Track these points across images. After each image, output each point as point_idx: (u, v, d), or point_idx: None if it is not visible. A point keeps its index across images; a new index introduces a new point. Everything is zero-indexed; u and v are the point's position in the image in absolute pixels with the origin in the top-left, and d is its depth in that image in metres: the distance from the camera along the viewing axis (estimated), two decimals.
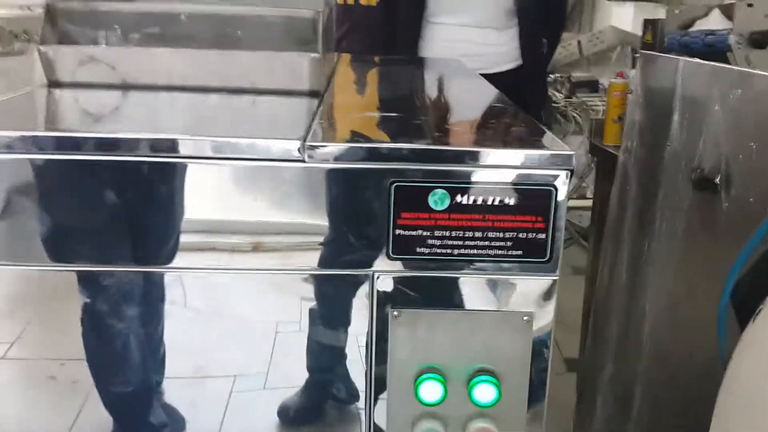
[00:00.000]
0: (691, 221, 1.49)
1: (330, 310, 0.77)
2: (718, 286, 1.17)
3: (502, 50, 2.00)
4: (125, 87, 1.00)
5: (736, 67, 1.37)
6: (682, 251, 1.52)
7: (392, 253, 0.74)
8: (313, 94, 1.02)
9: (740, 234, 1.18)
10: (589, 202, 3.29)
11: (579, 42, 3.75)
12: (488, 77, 1.96)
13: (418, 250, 0.74)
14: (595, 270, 2.17)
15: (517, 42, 1.99)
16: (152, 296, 0.75)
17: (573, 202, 3.72)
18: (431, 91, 1.31)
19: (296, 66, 1.00)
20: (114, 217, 0.73)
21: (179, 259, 0.74)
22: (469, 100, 1.16)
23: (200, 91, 1.01)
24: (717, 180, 1.35)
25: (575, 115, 3.40)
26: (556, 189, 0.72)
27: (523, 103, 2.05)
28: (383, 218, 0.73)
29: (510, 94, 1.95)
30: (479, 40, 1.98)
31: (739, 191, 1.26)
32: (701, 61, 1.52)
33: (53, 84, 1.00)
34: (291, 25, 1.05)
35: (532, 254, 0.74)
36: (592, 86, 3.76)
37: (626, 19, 4.42)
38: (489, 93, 1.13)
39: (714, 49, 2.12)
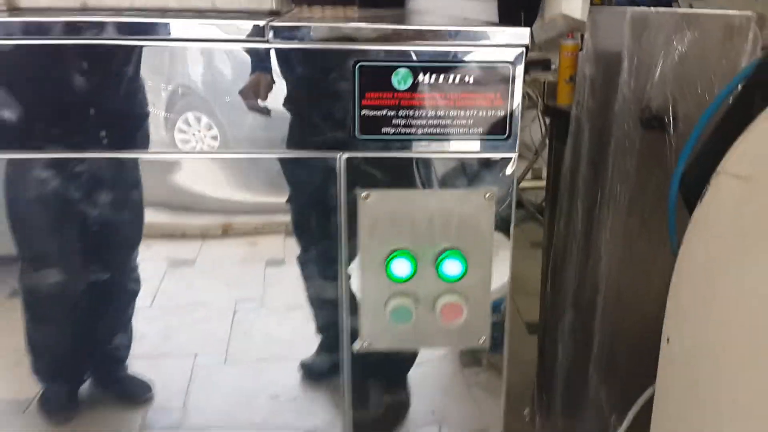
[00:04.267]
0: (642, 160, 1.55)
1: (300, 194, 0.80)
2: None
3: (482, 18, 2.06)
4: (85, 10, 1.01)
5: (680, 9, 1.44)
6: (634, 190, 1.58)
7: (359, 133, 0.77)
8: (273, 13, 1.04)
9: None
10: (543, 183, 3.39)
11: (530, 30, 3.84)
12: None
13: (384, 130, 0.77)
14: (551, 238, 2.23)
15: (495, 13, 2.07)
16: (125, 183, 0.78)
17: (528, 183, 3.80)
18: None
19: None
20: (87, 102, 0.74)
21: (152, 145, 0.77)
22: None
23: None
24: (666, 118, 1.44)
25: (529, 91, 3.48)
26: (513, 65, 0.76)
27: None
28: (349, 100, 0.76)
29: None
30: (462, 9, 2.05)
31: (685, 127, 1.33)
32: (647, 8, 1.59)
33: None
34: None
35: (493, 131, 0.77)
36: (545, 65, 3.84)
37: (576, 7, 4.53)
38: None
39: (660, 3, 2.21)
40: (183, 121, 0.76)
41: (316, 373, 0.91)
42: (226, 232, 0.82)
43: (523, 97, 2.72)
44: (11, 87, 0.75)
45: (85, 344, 0.91)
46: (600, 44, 1.90)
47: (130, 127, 0.77)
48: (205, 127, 0.76)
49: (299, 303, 0.83)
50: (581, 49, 2.34)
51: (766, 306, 0.73)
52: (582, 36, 2.49)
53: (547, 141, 2.83)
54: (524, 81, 2.49)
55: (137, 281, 0.84)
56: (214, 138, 0.77)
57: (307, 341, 0.87)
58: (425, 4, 2.04)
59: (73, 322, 0.88)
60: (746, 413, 0.80)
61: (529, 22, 2.42)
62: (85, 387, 0.94)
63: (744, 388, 0.79)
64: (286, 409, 0.93)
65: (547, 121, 2.71)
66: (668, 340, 0.93)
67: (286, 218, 0.81)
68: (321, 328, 0.86)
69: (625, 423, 1.30)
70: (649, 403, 1.08)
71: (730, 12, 1.44)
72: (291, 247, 0.82)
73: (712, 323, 0.84)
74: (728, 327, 0.80)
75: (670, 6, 2.16)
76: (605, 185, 1.82)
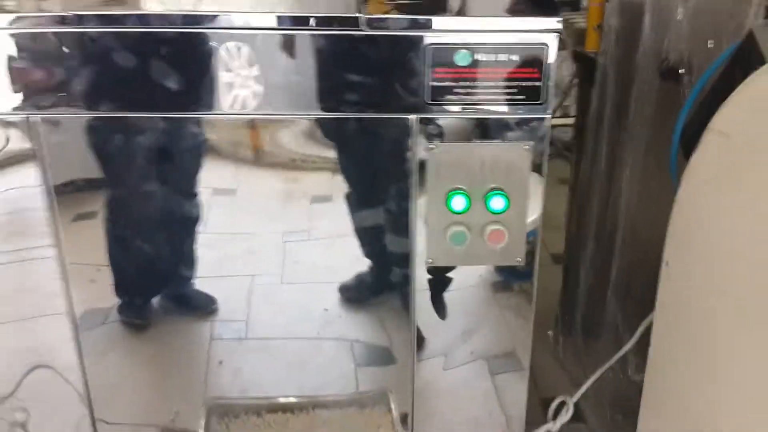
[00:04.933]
0: (660, 107, 1.68)
1: (379, 148, 1.04)
2: None
3: None
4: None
5: None
6: (651, 133, 1.71)
7: (428, 99, 1.01)
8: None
9: None
10: (572, 120, 3.52)
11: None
12: None
13: (448, 97, 1.01)
14: (577, 176, 2.39)
15: None
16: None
17: (557, 120, 3.94)
18: None
19: None
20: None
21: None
22: None
23: None
24: (680, 71, 1.56)
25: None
26: (547, 46, 0.98)
27: None
28: (422, 74, 0.99)
29: None
30: None
31: (698, 79, 1.42)
32: None
33: None
34: None
35: (531, 98, 1.01)
36: (574, 5, 3.91)
37: None
38: None
39: None
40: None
41: (360, 293, 1.15)
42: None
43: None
44: (113, 65, 0.98)
45: (156, 263, 1.12)
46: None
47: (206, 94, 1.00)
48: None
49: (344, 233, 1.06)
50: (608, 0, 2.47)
51: (741, 242, 0.94)
52: None
53: (575, 83, 2.98)
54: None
55: (198, 208, 1.07)
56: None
57: (351, 267, 1.11)
58: None
59: (147, 242, 1.10)
60: (737, 333, 0.95)
61: None
62: (158, 302, 1.15)
63: (733, 306, 0.96)
64: (336, 322, 1.17)
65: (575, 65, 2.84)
66: (667, 263, 1.16)
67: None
68: (369, 254, 1.10)
69: (633, 339, 1.52)
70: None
71: None
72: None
73: (705, 251, 1.03)
74: (716, 257, 0.99)
75: None
76: (627, 128, 1.97)
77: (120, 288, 1.12)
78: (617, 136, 1.95)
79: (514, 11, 1.02)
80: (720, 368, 0.99)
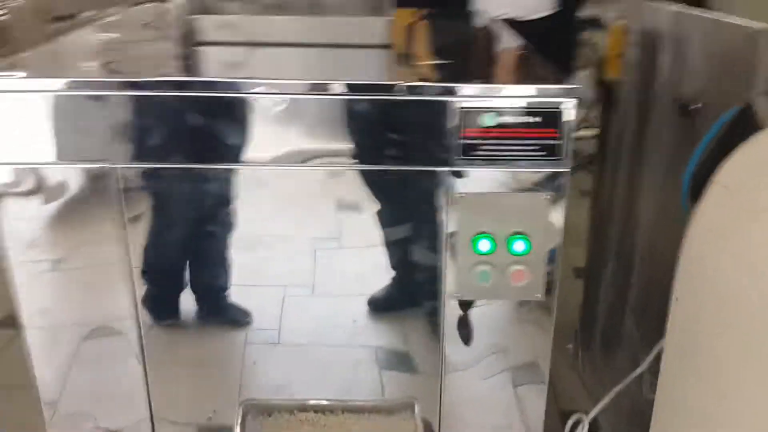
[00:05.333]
0: (675, 141, 1.75)
1: (414, 196, 1.17)
2: None
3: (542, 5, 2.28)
4: (252, 44, 1.39)
5: (709, 15, 1.64)
6: (669, 166, 1.78)
7: (459, 155, 1.14)
8: (385, 46, 1.40)
9: None
10: (594, 131, 3.61)
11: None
12: (527, 24, 2.22)
13: (476, 153, 1.13)
14: (598, 190, 2.46)
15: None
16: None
17: (581, 132, 4.01)
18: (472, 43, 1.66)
19: (373, 26, 1.39)
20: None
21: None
22: (498, 46, 1.51)
23: (305, 46, 1.39)
24: (694, 107, 1.61)
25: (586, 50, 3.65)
26: (566, 111, 1.11)
27: (559, 47, 2.34)
28: (452, 133, 1.12)
29: (547, 39, 2.24)
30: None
31: (711, 116, 1.48)
32: (681, 10, 1.73)
33: (197, 43, 1.40)
34: None
35: (551, 154, 1.13)
36: (596, 23, 3.98)
37: None
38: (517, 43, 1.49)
39: None
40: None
41: (385, 306, 1.25)
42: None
43: (579, 57, 2.92)
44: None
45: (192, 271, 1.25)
46: (643, 33, 2.08)
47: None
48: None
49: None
50: (627, 33, 2.55)
51: (745, 285, 1.04)
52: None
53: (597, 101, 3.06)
54: (578, 42, 2.70)
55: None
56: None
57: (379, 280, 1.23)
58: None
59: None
60: (744, 368, 1.01)
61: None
62: (193, 310, 1.26)
63: (739, 344, 1.02)
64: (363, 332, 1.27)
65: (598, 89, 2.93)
66: (677, 299, 1.25)
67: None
68: (399, 279, 1.22)
69: (646, 361, 1.61)
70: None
71: (752, 24, 1.63)
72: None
73: (712, 290, 1.10)
74: (722, 297, 1.06)
75: None
76: (645, 155, 2.04)
77: (164, 296, 1.26)
78: (636, 164, 2.02)
79: (536, 78, 1.15)
80: (726, 403, 1.06)
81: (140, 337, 1.25)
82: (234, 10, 1.35)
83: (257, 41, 1.36)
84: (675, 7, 1.78)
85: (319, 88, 1.11)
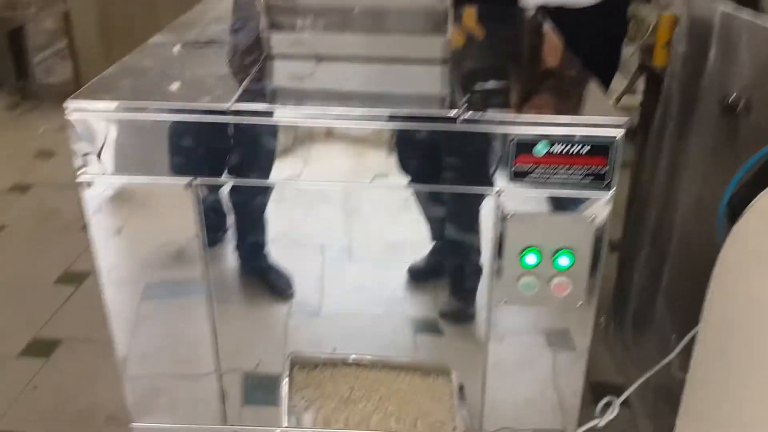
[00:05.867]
0: (718, 138, 1.79)
1: (468, 214, 1.28)
2: None
3: None
4: (319, 58, 1.49)
5: (762, 24, 1.66)
6: (709, 161, 1.84)
7: (511, 180, 1.24)
8: (444, 62, 1.49)
9: (753, 154, 1.42)
10: (636, 99, 3.61)
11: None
12: (576, 12, 2.22)
13: (527, 178, 1.24)
14: (638, 165, 2.50)
15: None
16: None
17: (625, 101, 4.01)
18: (525, 57, 1.72)
19: (434, 45, 1.48)
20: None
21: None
22: (551, 65, 1.57)
23: (368, 61, 1.49)
24: (739, 108, 1.64)
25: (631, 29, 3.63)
26: (614, 142, 1.20)
27: (607, 36, 2.37)
28: (506, 159, 1.22)
29: (596, 28, 2.27)
30: None
31: (756, 119, 1.53)
32: (733, 13, 1.74)
33: (270, 56, 1.50)
34: (428, 13, 1.51)
35: (597, 181, 1.23)
36: None
37: None
38: (570, 60, 1.56)
39: None
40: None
41: (423, 276, 1.36)
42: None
43: (627, 33, 2.90)
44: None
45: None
46: (693, 25, 2.09)
47: None
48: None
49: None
50: (677, 24, 2.55)
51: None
52: None
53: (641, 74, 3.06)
54: (627, 18, 2.67)
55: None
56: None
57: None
58: None
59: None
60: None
61: None
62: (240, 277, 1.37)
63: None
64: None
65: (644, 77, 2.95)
66: (707, 319, 1.32)
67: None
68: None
69: (676, 350, 1.69)
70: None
71: None
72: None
73: (743, 311, 1.13)
74: (753, 318, 1.09)
75: None
76: (686, 150, 2.09)
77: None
78: (677, 156, 2.06)
79: (586, 110, 1.24)
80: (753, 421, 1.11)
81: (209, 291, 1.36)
82: (304, 25, 1.45)
83: (323, 55, 1.46)
84: (726, 7, 1.80)
85: (385, 118, 1.22)
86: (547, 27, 1.78)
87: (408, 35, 1.49)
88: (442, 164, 1.25)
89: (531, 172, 1.23)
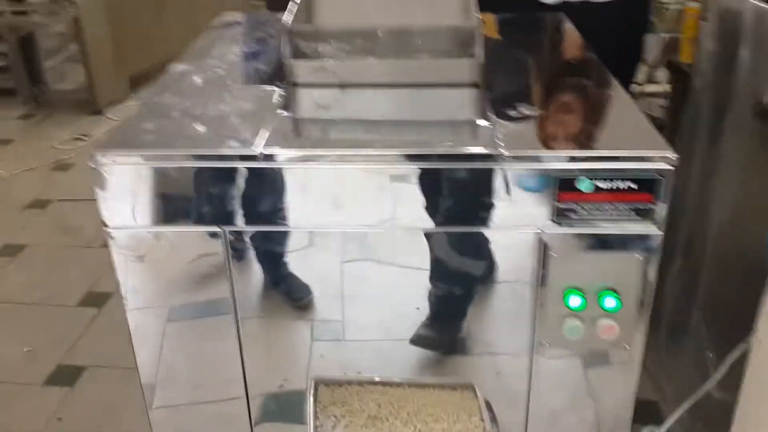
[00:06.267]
0: (753, 145, 1.74)
1: (508, 254, 1.22)
2: None
3: None
4: (344, 85, 1.42)
5: None
6: (745, 168, 1.78)
7: (554, 218, 1.17)
8: (474, 85, 1.43)
9: None
10: (658, 87, 3.53)
11: None
12: (603, 5, 2.17)
13: (571, 216, 1.17)
14: None
15: None
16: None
17: (649, 88, 3.91)
18: (560, 76, 1.62)
19: (463, 68, 1.41)
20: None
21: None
22: (591, 92, 1.46)
23: (394, 88, 1.42)
24: None
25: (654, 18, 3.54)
26: (663, 178, 1.13)
27: (631, 28, 2.31)
28: (549, 197, 1.16)
29: (620, 21, 2.20)
30: None
31: None
32: (765, 8, 1.67)
33: (293, 84, 1.44)
34: (456, 34, 1.44)
35: (645, 219, 1.16)
36: None
37: None
38: (610, 82, 1.46)
39: None
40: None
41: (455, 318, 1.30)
42: None
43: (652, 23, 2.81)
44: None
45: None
46: (722, 24, 2.03)
47: None
48: None
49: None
50: (704, 19, 2.48)
51: None
52: None
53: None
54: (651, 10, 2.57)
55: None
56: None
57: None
58: None
59: None
60: None
61: None
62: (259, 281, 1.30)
63: None
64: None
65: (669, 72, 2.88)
66: (760, 341, 1.28)
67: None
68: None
69: (718, 373, 1.64)
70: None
71: None
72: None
73: None
74: None
75: None
76: (719, 157, 2.02)
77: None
78: (709, 163, 2.00)
79: (633, 143, 1.17)
80: None
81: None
82: (327, 51, 1.38)
83: (349, 82, 1.40)
84: (758, 4, 1.73)
85: (418, 159, 1.16)
86: (580, 39, 1.70)
87: (434, 57, 1.42)
88: (479, 204, 1.18)
89: (574, 210, 1.16)
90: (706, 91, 2.20)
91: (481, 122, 1.28)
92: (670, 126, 2.67)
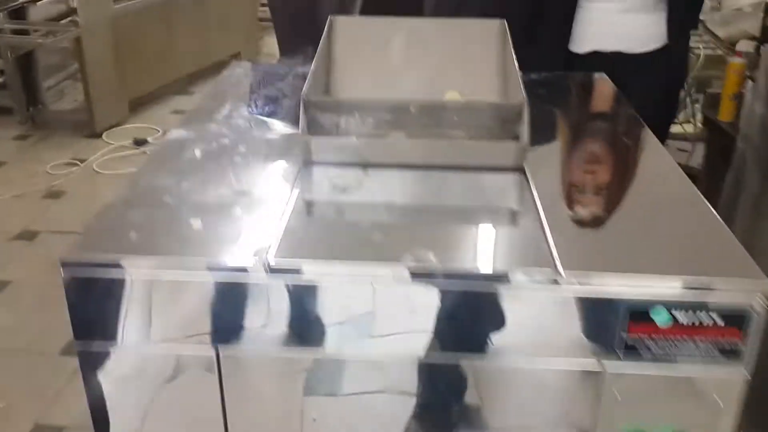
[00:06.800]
0: None
1: (566, 391, 1.02)
2: None
3: (651, 31, 2.08)
4: (367, 165, 1.23)
5: None
6: None
7: (620, 353, 0.97)
8: (518, 170, 1.23)
9: None
10: (677, 128, 3.35)
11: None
12: (635, 57, 2.04)
13: (640, 352, 0.97)
14: None
15: (664, 23, 2.05)
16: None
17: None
18: (622, 177, 1.34)
19: (507, 151, 1.21)
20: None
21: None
22: (664, 199, 1.20)
23: (426, 169, 1.23)
24: None
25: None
26: (754, 310, 0.93)
27: (667, 82, 2.15)
28: (615, 328, 0.96)
29: (655, 74, 2.04)
30: (631, 24, 2.07)
31: None
32: None
33: (308, 163, 1.24)
34: (498, 112, 1.24)
35: (729, 357, 0.96)
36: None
37: None
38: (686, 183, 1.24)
39: None
40: None
41: None
42: None
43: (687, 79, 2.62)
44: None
45: None
46: None
47: None
48: None
49: None
50: (751, 78, 2.32)
51: None
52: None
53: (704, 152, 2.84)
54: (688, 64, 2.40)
55: None
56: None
57: None
58: (598, 18, 2.10)
59: None
60: None
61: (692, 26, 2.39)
62: None
63: None
64: None
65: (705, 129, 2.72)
66: None
67: None
68: None
69: None
70: None
71: None
72: None
73: None
74: None
75: None
76: (765, 228, 1.88)
77: None
78: (753, 235, 1.92)
79: (720, 269, 0.97)
80: None
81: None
82: (350, 126, 1.19)
83: (375, 163, 1.20)
84: None
85: (460, 276, 0.96)
86: (633, 114, 1.51)
87: (473, 137, 1.23)
88: (524, 331, 0.99)
89: (644, 345, 0.97)
90: (752, 160, 2.07)
91: (528, 222, 1.08)
92: (706, 185, 2.50)
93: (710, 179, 2.50)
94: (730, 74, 2.46)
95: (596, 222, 1.12)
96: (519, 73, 1.31)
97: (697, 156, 3.36)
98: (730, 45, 3.69)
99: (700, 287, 0.94)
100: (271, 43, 4.53)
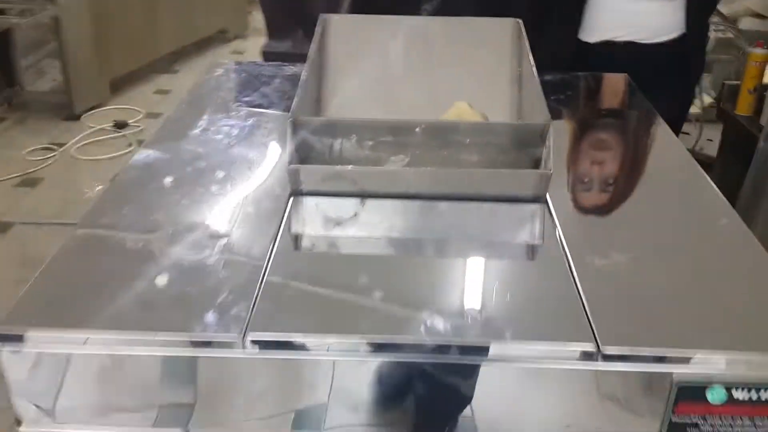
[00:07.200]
0: None
1: None
2: None
3: (667, 20, 1.95)
4: (363, 196, 1.06)
5: None
6: None
7: None
8: (536, 200, 1.07)
9: None
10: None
11: None
12: (652, 47, 1.91)
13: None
14: None
15: (682, 12, 1.93)
16: None
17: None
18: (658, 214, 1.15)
19: (526, 180, 1.05)
20: None
21: None
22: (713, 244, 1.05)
23: (432, 199, 1.06)
24: None
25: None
26: None
27: (683, 73, 2.01)
28: (662, 408, 0.81)
29: (671, 65, 1.90)
30: (648, 11, 1.93)
31: None
32: None
33: (298, 193, 1.07)
34: (517, 133, 1.08)
35: None
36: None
37: None
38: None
39: None
40: None
41: None
42: None
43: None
44: None
45: None
46: None
47: None
48: None
49: None
50: None
51: None
52: None
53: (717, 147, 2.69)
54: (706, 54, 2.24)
55: None
56: None
57: None
58: (611, 5, 1.95)
59: None
60: None
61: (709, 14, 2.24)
62: None
63: None
64: None
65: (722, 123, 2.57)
66: None
67: None
68: None
69: None
70: None
71: None
72: None
73: None
74: None
75: None
76: None
77: None
78: None
79: None
80: None
81: None
82: (347, 150, 1.02)
83: (373, 193, 1.04)
84: None
85: (479, 354, 0.81)
86: (666, 131, 1.34)
87: (488, 163, 1.07)
88: (554, 410, 0.84)
89: (696, 425, 0.82)
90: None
91: (556, 273, 0.93)
92: (720, 178, 2.36)
93: (724, 173, 2.36)
94: (750, 66, 2.29)
95: (632, 267, 0.96)
96: (539, 85, 1.15)
97: (703, 139, 3.22)
98: (732, 22, 3.53)
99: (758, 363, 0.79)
100: (260, 19, 4.34)
